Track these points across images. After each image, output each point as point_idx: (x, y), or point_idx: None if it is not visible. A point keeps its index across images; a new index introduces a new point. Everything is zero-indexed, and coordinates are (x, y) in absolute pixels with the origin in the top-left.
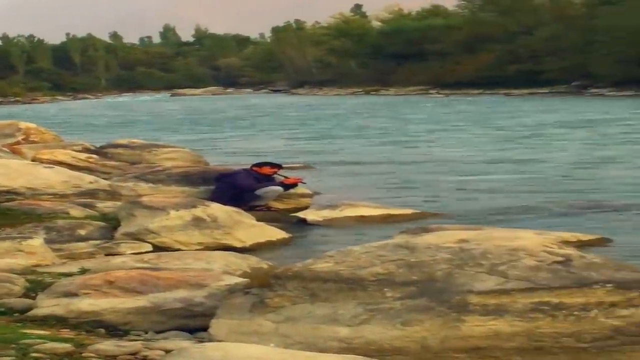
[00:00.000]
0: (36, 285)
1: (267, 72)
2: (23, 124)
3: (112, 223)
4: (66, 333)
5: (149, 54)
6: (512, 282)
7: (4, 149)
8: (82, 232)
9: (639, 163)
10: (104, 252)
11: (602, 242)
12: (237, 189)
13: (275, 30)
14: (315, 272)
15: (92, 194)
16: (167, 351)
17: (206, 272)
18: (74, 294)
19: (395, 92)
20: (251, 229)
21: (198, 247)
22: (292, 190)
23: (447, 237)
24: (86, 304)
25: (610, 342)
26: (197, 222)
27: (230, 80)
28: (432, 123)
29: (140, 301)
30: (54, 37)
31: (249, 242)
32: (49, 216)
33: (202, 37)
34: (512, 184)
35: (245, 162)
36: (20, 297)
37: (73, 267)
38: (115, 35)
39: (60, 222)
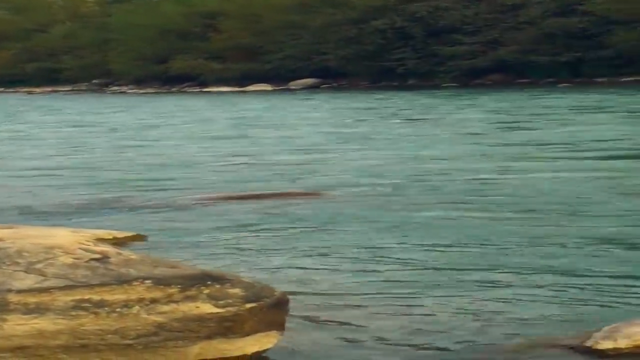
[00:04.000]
0: None
1: None
2: None
3: None
4: None
5: None
6: (51, 280)
7: None
8: None
9: (173, 160)
10: None
11: (138, 239)
12: None
13: None
14: None
15: None
16: None
17: None
18: None
19: None
20: None
21: None
22: None
23: None
24: None
25: (154, 338)
26: None
27: None
28: None
29: None
30: None
31: None
32: None
33: None
34: (47, 181)
35: None
36: None
37: None
38: None
39: None
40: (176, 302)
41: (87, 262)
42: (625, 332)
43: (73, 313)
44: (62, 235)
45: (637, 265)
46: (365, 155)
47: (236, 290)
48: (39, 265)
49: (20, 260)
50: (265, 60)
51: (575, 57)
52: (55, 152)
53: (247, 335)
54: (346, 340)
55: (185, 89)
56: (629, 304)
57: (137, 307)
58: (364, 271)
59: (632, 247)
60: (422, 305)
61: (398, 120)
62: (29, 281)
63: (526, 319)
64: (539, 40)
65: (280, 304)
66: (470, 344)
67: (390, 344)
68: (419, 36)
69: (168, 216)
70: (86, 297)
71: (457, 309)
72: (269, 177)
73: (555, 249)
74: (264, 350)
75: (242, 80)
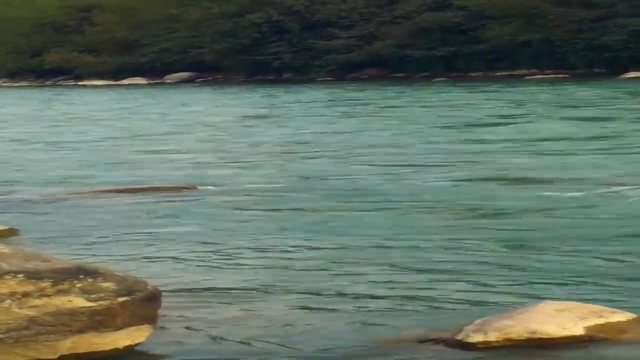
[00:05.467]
0: None
1: None
2: None
3: None
4: None
5: None
6: None
7: None
8: None
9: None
10: None
11: (10, 233)
12: None
13: None
14: None
15: None
16: None
17: None
18: None
19: None
20: None
21: None
22: None
23: None
24: None
25: (25, 332)
26: None
27: None
28: None
29: None
30: None
31: None
32: None
33: None
34: None
35: None
36: None
37: None
38: None
39: None
40: (48, 296)
41: None
42: (495, 326)
43: None
44: None
45: (509, 259)
46: (241, 149)
47: (108, 284)
48: None
49: None
50: (141, 54)
51: (450, 52)
52: None
53: (119, 329)
54: (215, 336)
55: (60, 82)
56: (500, 298)
57: (8, 301)
58: (236, 266)
59: (504, 242)
60: (291, 303)
61: (270, 115)
62: None
63: (397, 314)
64: (415, 35)
65: (153, 298)
66: (339, 340)
67: (260, 342)
68: (295, 30)
69: (41, 210)
70: None
71: (324, 306)
72: (145, 171)
73: (425, 243)
74: (136, 344)
75: (117, 73)
